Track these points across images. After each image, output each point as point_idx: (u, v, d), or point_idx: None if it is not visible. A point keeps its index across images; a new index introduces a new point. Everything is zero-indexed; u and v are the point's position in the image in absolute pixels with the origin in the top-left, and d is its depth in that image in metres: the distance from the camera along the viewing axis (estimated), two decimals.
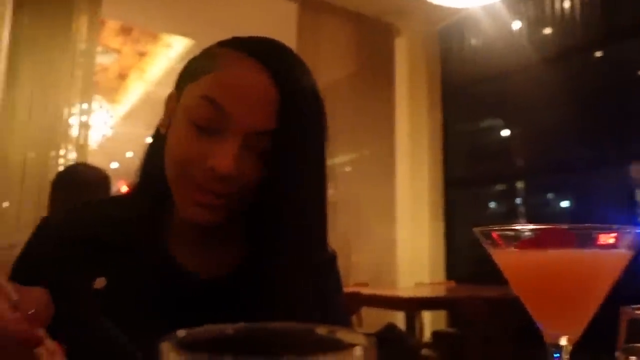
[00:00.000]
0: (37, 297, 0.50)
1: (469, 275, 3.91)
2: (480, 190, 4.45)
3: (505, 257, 0.52)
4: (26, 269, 0.71)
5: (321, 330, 0.24)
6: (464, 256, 4.20)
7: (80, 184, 1.80)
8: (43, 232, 0.74)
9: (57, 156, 3.79)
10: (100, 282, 0.67)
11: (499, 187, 4.38)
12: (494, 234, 0.52)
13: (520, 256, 0.50)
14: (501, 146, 4.34)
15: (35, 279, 0.65)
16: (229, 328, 0.24)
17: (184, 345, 0.21)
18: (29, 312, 0.48)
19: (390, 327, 3.13)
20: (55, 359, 0.49)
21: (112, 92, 5.93)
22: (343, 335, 0.23)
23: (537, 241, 0.49)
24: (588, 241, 0.48)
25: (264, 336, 0.24)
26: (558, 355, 0.47)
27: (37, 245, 0.73)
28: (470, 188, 4.46)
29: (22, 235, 0.76)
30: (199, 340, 0.22)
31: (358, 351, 0.21)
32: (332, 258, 0.85)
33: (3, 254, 1.21)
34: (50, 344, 0.49)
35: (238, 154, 0.64)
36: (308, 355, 0.20)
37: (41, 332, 0.48)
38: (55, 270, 0.67)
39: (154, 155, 0.73)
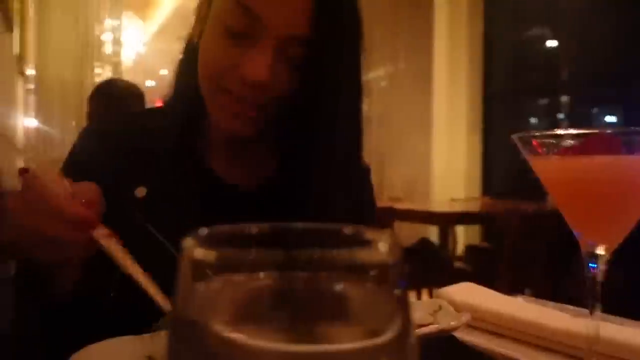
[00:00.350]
0: (91, 190, 0.54)
1: (506, 190, 3.87)
2: (522, 104, 4.29)
3: (545, 165, 0.50)
4: (69, 176, 0.73)
5: (347, 229, 0.23)
6: (501, 172, 4.14)
7: (116, 96, 1.82)
8: (84, 143, 0.76)
9: (93, 75, 3.82)
10: (141, 191, 0.68)
11: (542, 101, 4.20)
12: (535, 141, 0.49)
13: (562, 163, 0.48)
14: (546, 57, 4.10)
15: None
16: (252, 227, 0.24)
17: (207, 242, 0.20)
18: (83, 201, 0.52)
19: (424, 241, 3.19)
20: (111, 242, 0.52)
21: (143, 8, 5.83)
22: (369, 233, 0.22)
23: (580, 147, 0.46)
24: (634, 146, 0.45)
25: (288, 235, 0.23)
26: (594, 265, 0.46)
27: (79, 155, 0.74)
28: (510, 102, 4.30)
29: (65, 151, 0.78)
30: (222, 238, 0.22)
31: (382, 247, 0.20)
32: (365, 171, 0.85)
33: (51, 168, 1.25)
34: (105, 229, 0.52)
35: (271, 61, 0.62)
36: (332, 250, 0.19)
37: (95, 216, 0.52)
38: (97, 178, 0.69)
39: (187, 66, 0.72)
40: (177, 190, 0.70)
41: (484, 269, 3.00)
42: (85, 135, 0.77)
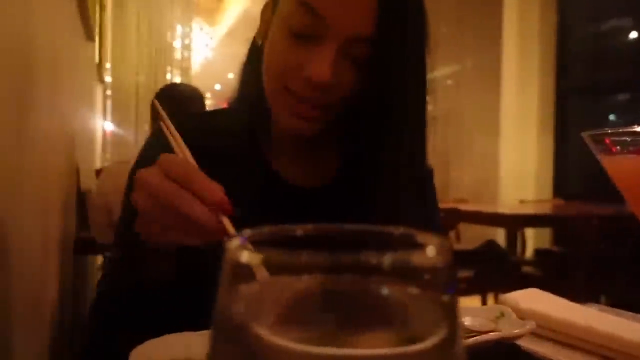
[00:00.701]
0: (219, 189, 0.52)
1: (579, 192, 3.67)
2: (599, 101, 4.04)
3: (619, 165, 0.46)
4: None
5: (397, 231, 0.23)
6: (574, 173, 3.92)
7: (178, 99, 1.88)
8: (152, 142, 0.79)
9: (164, 80, 4.00)
10: None
11: (622, 96, 3.94)
12: (607, 139, 0.46)
13: (638, 162, 0.45)
14: (626, 50, 3.84)
15: None
16: (299, 228, 0.23)
17: (252, 243, 0.21)
18: (213, 204, 0.50)
19: (490, 244, 3.08)
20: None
21: (211, 13, 6.04)
22: (419, 237, 0.22)
23: None
24: None
25: (335, 237, 0.23)
26: None
27: (147, 156, 0.77)
28: (587, 99, 4.06)
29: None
30: (268, 239, 0.22)
31: (431, 250, 0.20)
32: (429, 173, 0.84)
33: (123, 168, 1.32)
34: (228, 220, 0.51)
35: (335, 62, 0.62)
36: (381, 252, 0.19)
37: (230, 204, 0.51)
38: None
39: (252, 67, 0.73)
40: (241, 189, 0.72)
41: (555, 274, 2.85)
42: (152, 137, 0.80)
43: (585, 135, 0.47)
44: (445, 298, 0.20)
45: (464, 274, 2.74)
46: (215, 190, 0.50)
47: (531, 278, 2.83)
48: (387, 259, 0.19)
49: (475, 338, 0.52)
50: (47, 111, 1.24)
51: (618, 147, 0.45)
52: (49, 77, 1.27)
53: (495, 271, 2.83)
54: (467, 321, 0.56)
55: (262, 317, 0.20)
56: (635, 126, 0.45)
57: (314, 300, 0.20)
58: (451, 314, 0.20)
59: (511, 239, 3.10)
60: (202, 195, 0.49)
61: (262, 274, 0.19)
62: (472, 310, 0.60)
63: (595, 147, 0.47)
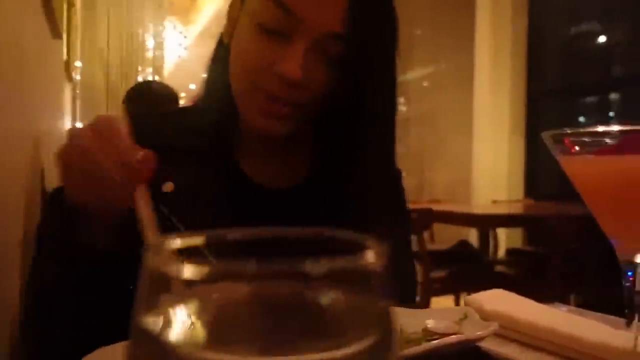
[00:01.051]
0: (147, 150, 0.52)
1: (550, 193, 3.73)
2: (570, 103, 4.12)
3: (577, 165, 0.46)
4: None
5: (333, 235, 0.22)
6: (546, 173, 3.99)
7: (151, 97, 1.85)
8: None
9: (136, 79, 3.93)
10: (168, 187, 0.68)
11: (592, 98, 4.02)
12: (567, 139, 0.46)
13: (597, 163, 0.44)
14: (597, 53, 3.92)
15: None
16: (229, 234, 0.22)
17: (174, 251, 0.19)
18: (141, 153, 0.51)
19: (463, 244, 3.11)
20: (146, 205, 0.50)
21: (185, 12, 5.96)
22: (356, 240, 0.21)
23: (618, 146, 0.43)
24: None
25: (269, 242, 0.22)
26: (632, 273, 0.42)
27: None
28: (558, 101, 4.13)
29: None
30: (194, 245, 0.20)
31: (365, 256, 0.18)
32: (397, 174, 0.84)
33: None
34: (146, 191, 0.51)
35: (306, 59, 0.61)
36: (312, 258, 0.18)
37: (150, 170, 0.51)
38: None
39: (218, 66, 0.72)
40: (204, 187, 0.70)
41: (527, 273, 2.89)
42: None
43: (544, 135, 0.46)
44: (379, 303, 0.19)
45: (437, 274, 2.76)
46: (131, 150, 0.51)
47: (504, 277, 2.87)
48: (319, 265, 0.18)
49: (437, 341, 0.51)
50: (8, 110, 1.20)
51: (577, 148, 0.45)
52: (7, 75, 1.22)
53: (468, 271, 2.86)
54: (430, 323, 0.55)
55: (184, 330, 0.18)
56: (597, 126, 0.45)
57: (239, 311, 0.19)
58: (384, 319, 0.19)
59: (484, 238, 3.13)
60: (118, 152, 0.50)
61: (178, 284, 0.18)
62: (435, 312, 0.60)
63: (554, 147, 0.47)
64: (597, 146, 0.45)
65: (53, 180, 2.27)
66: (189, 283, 0.18)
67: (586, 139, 0.45)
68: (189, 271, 0.17)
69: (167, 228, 0.64)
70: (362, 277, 0.19)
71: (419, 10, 4.28)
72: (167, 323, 0.18)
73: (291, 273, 0.18)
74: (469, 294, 0.69)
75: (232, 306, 0.19)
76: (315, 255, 0.18)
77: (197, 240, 0.21)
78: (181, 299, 0.18)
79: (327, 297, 0.19)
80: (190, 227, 0.68)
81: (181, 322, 0.18)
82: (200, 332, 0.18)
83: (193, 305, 0.19)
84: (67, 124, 3.51)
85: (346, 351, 0.17)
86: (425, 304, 2.64)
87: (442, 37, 4.40)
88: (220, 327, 0.19)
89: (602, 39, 3.90)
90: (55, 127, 2.74)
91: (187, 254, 0.20)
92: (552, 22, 4.14)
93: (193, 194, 0.68)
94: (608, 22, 3.78)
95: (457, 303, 2.82)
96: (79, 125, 3.88)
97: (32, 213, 1.80)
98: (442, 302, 2.87)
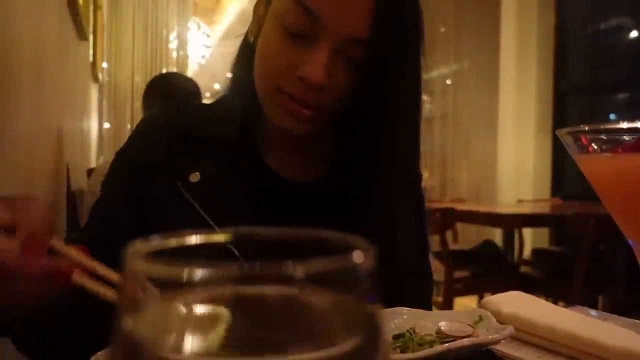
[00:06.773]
0: (34, 210, 0.46)
1: (577, 192, 3.64)
2: (597, 101, 4.01)
3: (595, 165, 0.44)
4: (122, 164, 0.74)
5: (319, 236, 0.21)
6: (573, 172, 3.90)
7: (171, 89, 1.84)
8: (142, 129, 0.77)
9: None
10: (194, 177, 0.69)
11: (620, 96, 3.91)
12: (584, 137, 0.44)
13: (615, 162, 0.43)
14: (624, 50, 3.81)
15: (132, 175, 0.70)
16: (211, 236, 0.22)
17: (154, 253, 0.19)
18: (27, 236, 0.44)
19: (487, 244, 3.06)
20: (71, 249, 0.47)
21: (210, 13, 6.02)
22: (344, 241, 0.20)
23: (635, 144, 0.41)
24: None
25: (252, 243, 0.21)
26: None
27: (137, 140, 0.75)
28: (586, 98, 4.03)
29: None
30: (175, 247, 0.20)
31: (351, 257, 0.18)
32: (417, 177, 0.83)
33: None
34: (70, 251, 0.46)
35: (329, 63, 0.61)
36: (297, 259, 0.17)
37: (45, 259, 0.45)
38: (151, 165, 0.70)
39: (243, 64, 0.72)
40: (229, 179, 0.71)
41: (553, 274, 2.83)
42: (142, 124, 0.79)
43: (559, 132, 0.45)
44: (366, 304, 0.18)
45: (460, 274, 2.72)
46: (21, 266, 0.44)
47: (529, 278, 2.81)
48: (304, 266, 0.17)
49: (450, 344, 0.50)
50: (30, 110, 1.23)
51: (593, 145, 0.43)
52: (33, 76, 1.25)
53: (492, 271, 2.81)
54: (443, 326, 0.54)
55: (164, 334, 0.18)
56: (620, 123, 0.43)
57: (221, 313, 0.18)
58: (371, 320, 0.18)
59: (508, 238, 3.08)
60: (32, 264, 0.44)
61: (161, 287, 0.17)
62: (450, 315, 0.59)
63: (570, 146, 0.45)
64: (613, 144, 0.43)
65: (78, 179, 2.32)
66: (172, 286, 0.17)
67: (602, 137, 0.44)
68: (171, 274, 0.17)
69: (194, 218, 0.65)
70: (349, 277, 0.18)
71: (443, 7, 4.23)
72: (150, 327, 0.18)
73: (276, 274, 0.17)
74: (492, 295, 0.67)
75: (215, 308, 0.18)
76: (303, 256, 0.18)
77: (181, 241, 0.20)
78: (163, 303, 0.18)
79: (313, 298, 0.18)
80: (216, 218, 0.68)
81: (164, 326, 0.18)
82: (184, 336, 0.18)
83: (175, 309, 0.18)
84: (93, 124, 3.58)
85: (332, 352, 0.17)
86: (448, 304, 2.61)
87: (467, 34, 4.33)
88: (203, 330, 0.18)
89: (630, 35, 3.79)
90: (81, 127, 2.80)
91: (170, 256, 0.20)
92: (579, 19, 4.04)
93: (219, 185, 0.69)
94: (636, 18, 3.66)
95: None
96: (106, 125, 3.95)
97: (57, 210, 1.84)
98: (465, 303, 2.83)
